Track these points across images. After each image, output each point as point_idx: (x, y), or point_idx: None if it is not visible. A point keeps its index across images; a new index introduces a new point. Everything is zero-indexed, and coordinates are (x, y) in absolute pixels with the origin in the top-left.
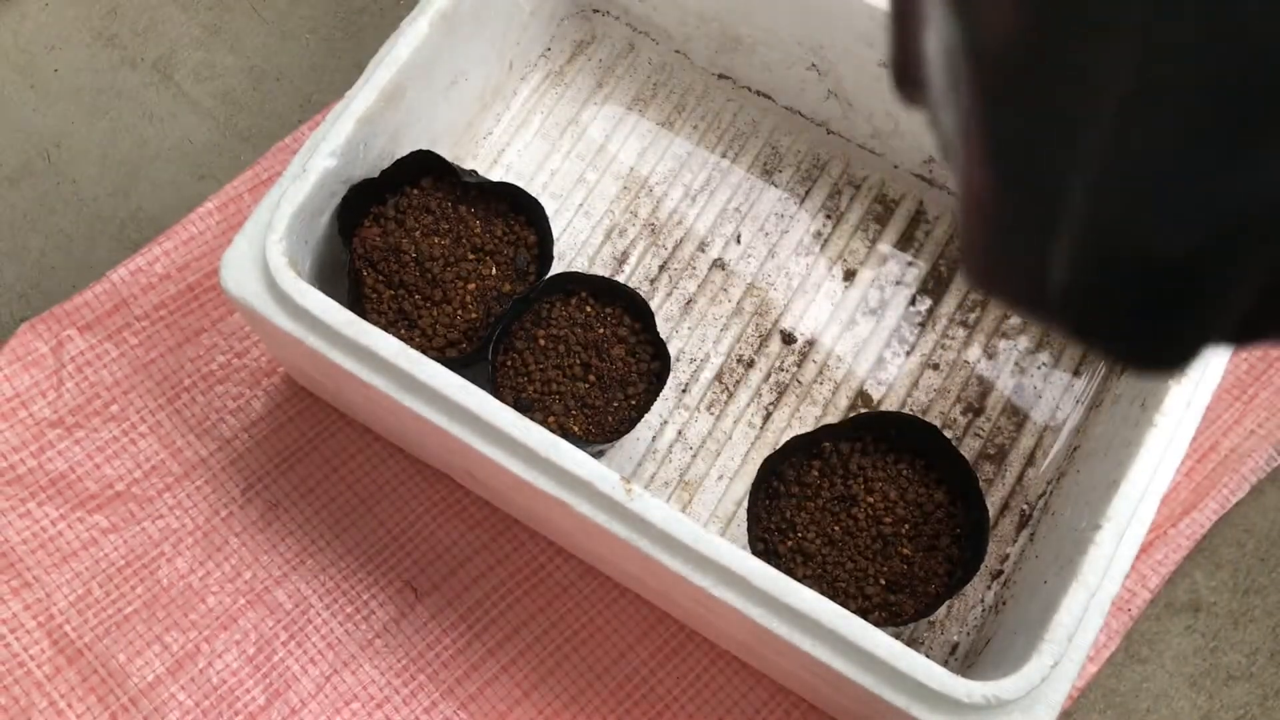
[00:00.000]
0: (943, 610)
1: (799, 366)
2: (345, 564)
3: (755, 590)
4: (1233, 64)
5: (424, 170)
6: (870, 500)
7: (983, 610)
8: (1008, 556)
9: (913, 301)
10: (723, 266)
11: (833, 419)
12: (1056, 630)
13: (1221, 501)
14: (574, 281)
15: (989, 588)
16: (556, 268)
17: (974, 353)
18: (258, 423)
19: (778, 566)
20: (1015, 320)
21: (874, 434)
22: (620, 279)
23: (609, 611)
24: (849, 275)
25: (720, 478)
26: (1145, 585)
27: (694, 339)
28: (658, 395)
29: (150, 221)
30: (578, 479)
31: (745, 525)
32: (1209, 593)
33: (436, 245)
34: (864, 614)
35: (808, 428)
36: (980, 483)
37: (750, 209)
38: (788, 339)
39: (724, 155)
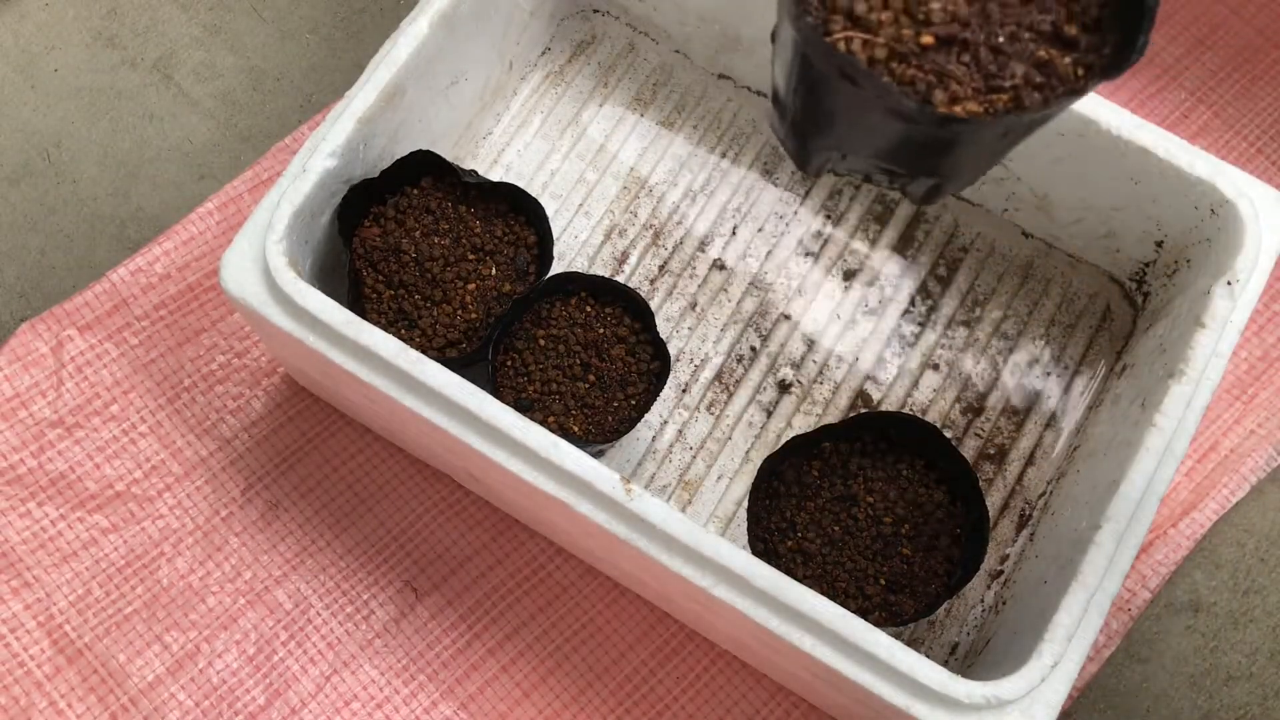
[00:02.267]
0: (943, 610)
1: (799, 366)
2: (345, 564)
3: (755, 590)
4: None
5: (424, 170)
6: (870, 500)
7: (983, 610)
8: (1008, 556)
9: (913, 301)
10: (722, 267)
11: (833, 419)
12: (1056, 630)
13: (1221, 501)
14: (574, 281)
15: (989, 588)
16: (556, 268)
17: (974, 353)
18: (258, 423)
19: (778, 566)
20: (1015, 320)
21: (874, 434)
22: (620, 279)
23: (609, 611)
24: (849, 275)
25: (720, 478)
26: (1145, 585)
27: (694, 339)
28: (658, 395)
29: (150, 221)
30: (578, 479)
31: (745, 525)
32: (1209, 593)
33: (436, 245)
34: (864, 614)
35: (808, 428)
36: (980, 483)
37: (750, 209)
38: (787, 339)
39: (724, 155)
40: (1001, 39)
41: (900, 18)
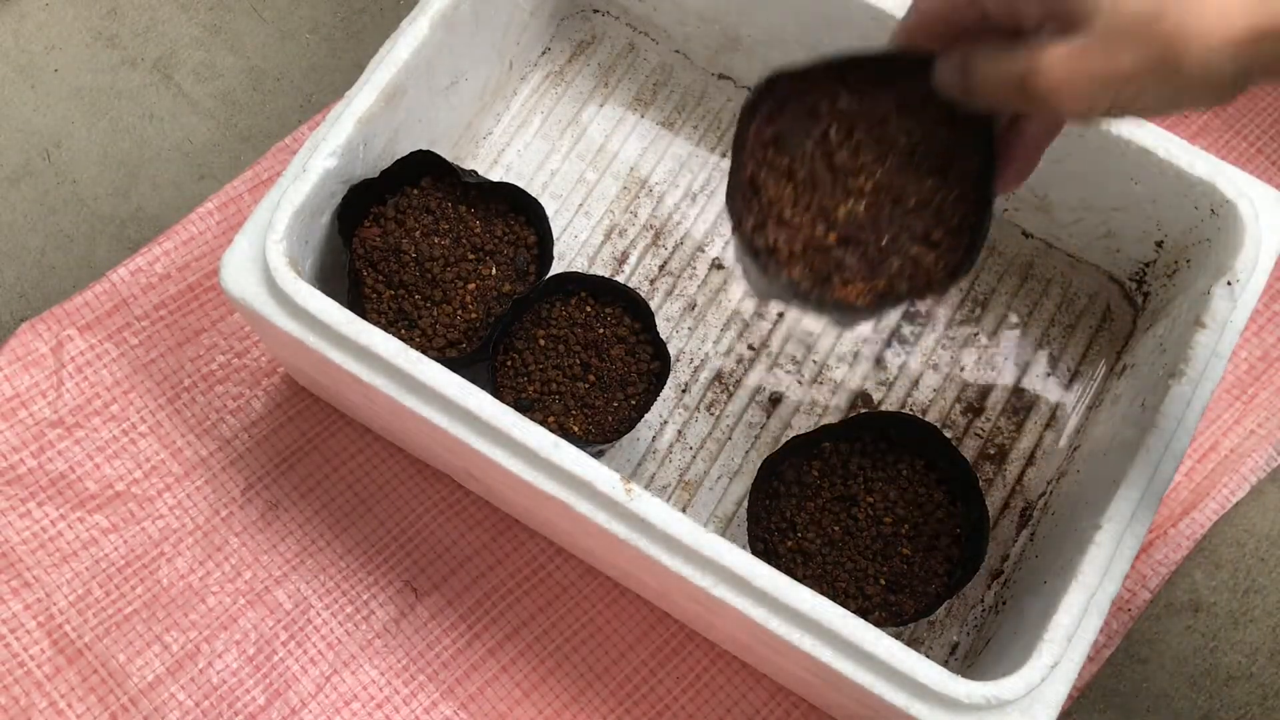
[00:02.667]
0: (943, 610)
1: (799, 367)
2: (345, 564)
3: (755, 590)
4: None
5: (424, 170)
6: (870, 500)
7: (983, 610)
8: (1008, 556)
9: (913, 302)
10: (722, 267)
11: (833, 419)
12: (1056, 630)
13: (1221, 501)
14: (574, 281)
15: (989, 588)
16: (556, 268)
17: (973, 353)
18: (258, 423)
19: (778, 566)
20: (1015, 321)
21: (874, 434)
22: (620, 279)
23: (609, 611)
24: None
25: (720, 478)
26: (1145, 585)
27: (694, 339)
28: (658, 395)
29: (150, 221)
30: (578, 479)
31: (745, 525)
32: (1209, 593)
33: (436, 245)
34: (864, 614)
35: (808, 428)
36: (980, 483)
37: None
38: (787, 339)
39: (724, 155)
40: (886, 240)
41: (815, 219)
